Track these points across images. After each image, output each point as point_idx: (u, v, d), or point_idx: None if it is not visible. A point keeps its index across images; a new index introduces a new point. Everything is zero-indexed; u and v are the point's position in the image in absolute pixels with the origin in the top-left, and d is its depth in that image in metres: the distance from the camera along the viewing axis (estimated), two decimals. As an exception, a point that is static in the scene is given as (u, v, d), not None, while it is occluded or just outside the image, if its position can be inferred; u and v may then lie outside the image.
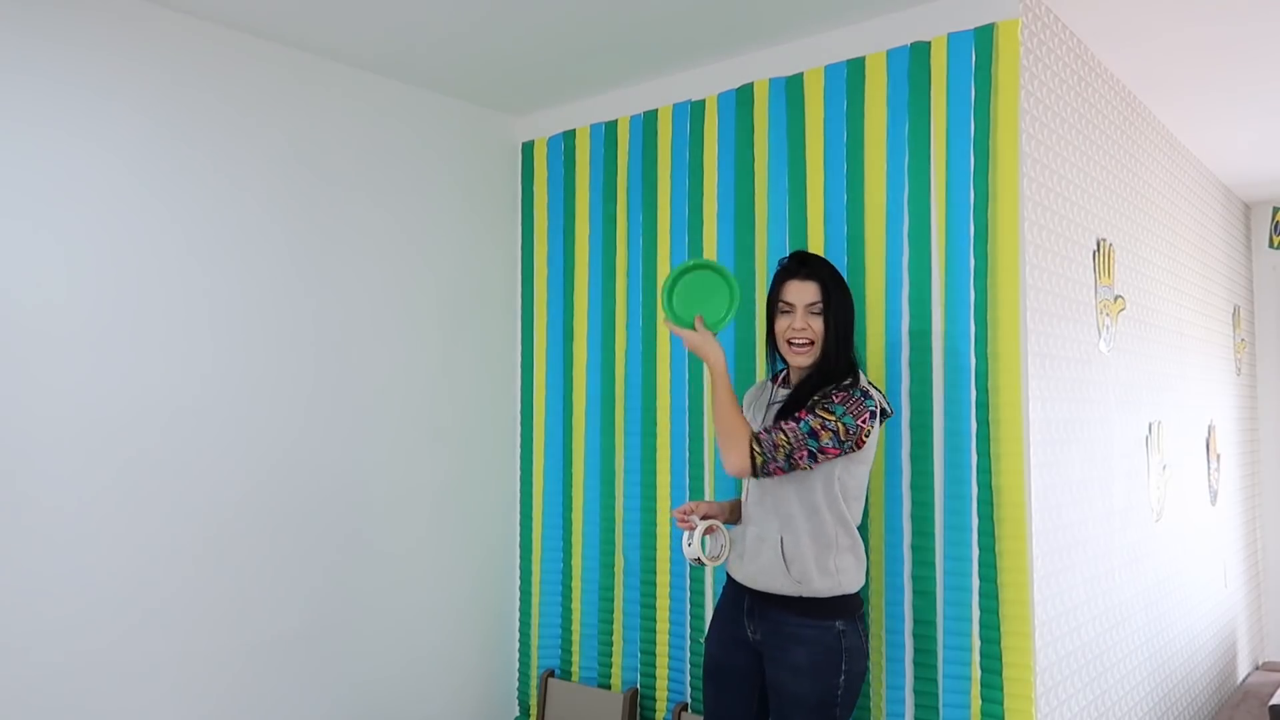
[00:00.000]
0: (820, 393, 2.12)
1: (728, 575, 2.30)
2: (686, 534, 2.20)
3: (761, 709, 2.26)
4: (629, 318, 3.10)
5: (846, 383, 2.13)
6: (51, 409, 2.27)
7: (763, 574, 2.16)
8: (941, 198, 2.45)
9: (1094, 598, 2.73)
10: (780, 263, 2.27)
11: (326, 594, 2.83)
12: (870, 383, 2.17)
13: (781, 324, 2.20)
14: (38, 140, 2.27)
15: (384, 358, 3.01)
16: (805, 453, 2.05)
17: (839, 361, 2.17)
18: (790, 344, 2.19)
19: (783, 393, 2.26)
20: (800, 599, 2.12)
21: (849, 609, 2.14)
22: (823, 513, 2.12)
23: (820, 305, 2.17)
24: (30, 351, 2.24)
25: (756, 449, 2.07)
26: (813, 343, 2.17)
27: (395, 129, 3.09)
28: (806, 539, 2.12)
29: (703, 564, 2.20)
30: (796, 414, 2.09)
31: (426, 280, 3.15)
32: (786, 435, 2.06)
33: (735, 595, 2.27)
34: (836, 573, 2.11)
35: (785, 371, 2.31)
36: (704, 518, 2.25)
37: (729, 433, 2.11)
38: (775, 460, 2.06)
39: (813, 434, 2.04)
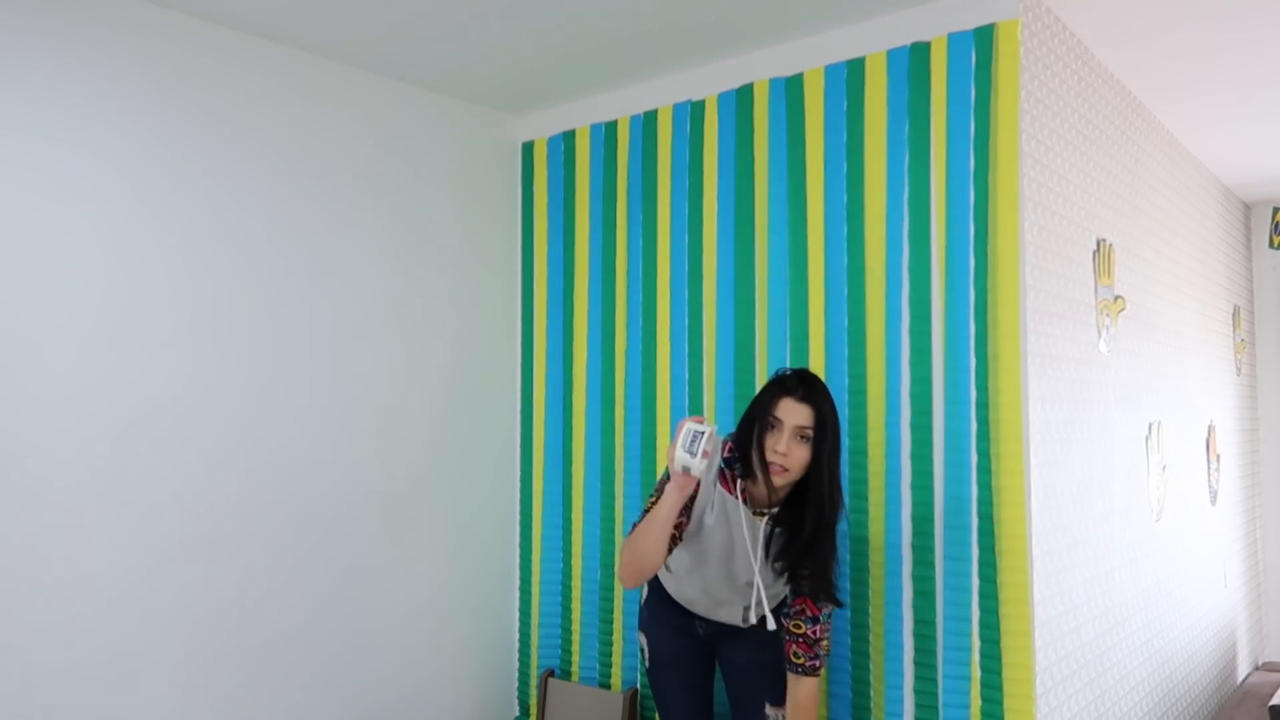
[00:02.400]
0: (818, 573, 2.15)
1: (663, 589, 2.40)
2: (700, 429, 2.03)
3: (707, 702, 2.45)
4: (629, 318, 3.10)
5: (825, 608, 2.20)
6: (51, 412, 2.27)
7: (721, 619, 2.33)
8: (941, 198, 2.45)
9: (1094, 598, 2.73)
10: (779, 373, 2.21)
11: (326, 594, 2.83)
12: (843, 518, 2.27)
13: (769, 440, 2.11)
14: (34, 141, 2.27)
15: (384, 358, 3.01)
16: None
17: (832, 505, 2.13)
18: (771, 463, 2.11)
19: (759, 523, 2.19)
20: None
21: None
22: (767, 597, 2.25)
23: (811, 431, 2.10)
24: (29, 354, 2.24)
25: (819, 675, 2.23)
26: (788, 470, 2.10)
27: (394, 129, 3.09)
28: (762, 604, 2.24)
29: (687, 465, 2.03)
30: (810, 611, 2.18)
31: (426, 280, 3.15)
32: (823, 638, 2.20)
33: (679, 603, 2.39)
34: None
35: (746, 486, 2.20)
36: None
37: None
38: (824, 657, 2.24)
39: (829, 617, 2.23)
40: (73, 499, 2.30)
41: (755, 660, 2.33)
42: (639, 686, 3.00)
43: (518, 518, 3.41)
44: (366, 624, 2.94)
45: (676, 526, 2.16)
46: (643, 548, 2.12)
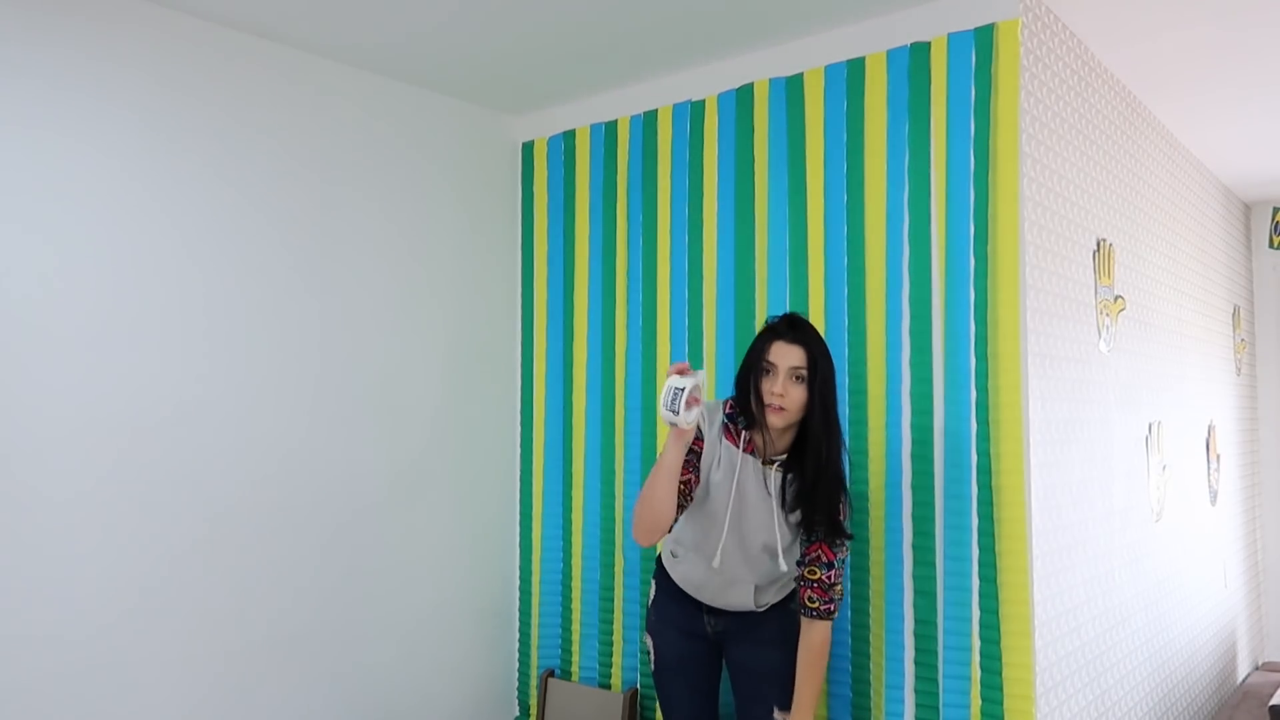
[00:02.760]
0: (829, 513, 2.18)
1: (671, 582, 2.39)
2: (679, 384, 1.98)
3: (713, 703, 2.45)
4: (629, 318, 3.10)
5: (842, 520, 2.21)
6: (50, 410, 2.27)
7: (732, 605, 2.33)
8: (941, 198, 2.45)
9: (1094, 598, 2.73)
10: (769, 321, 2.25)
11: (326, 594, 2.83)
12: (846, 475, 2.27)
13: (765, 384, 2.16)
14: (33, 141, 2.27)
15: (384, 358, 3.01)
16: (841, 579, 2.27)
17: (829, 441, 2.16)
18: (768, 404, 2.15)
19: (769, 472, 2.21)
20: None
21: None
22: (790, 564, 2.28)
23: (805, 372, 2.14)
24: (28, 353, 2.24)
25: (832, 619, 2.24)
26: (786, 410, 2.14)
27: (395, 129, 3.09)
28: (776, 584, 2.32)
29: (674, 421, 1.99)
30: (825, 557, 2.21)
31: (426, 280, 3.15)
32: (836, 583, 2.22)
33: (690, 598, 2.38)
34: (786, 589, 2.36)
35: (750, 437, 2.23)
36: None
37: (823, 666, 2.27)
38: (838, 600, 2.25)
39: (843, 562, 2.25)
40: (80, 503, 2.30)
41: (765, 663, 2.32)
42: (639, 687, 3.00)
43: (518, 518, 3.41)
44: (368, 625, 2.94)
45: (685, 483, 2.17)
46: (650, 501, 2.11)
